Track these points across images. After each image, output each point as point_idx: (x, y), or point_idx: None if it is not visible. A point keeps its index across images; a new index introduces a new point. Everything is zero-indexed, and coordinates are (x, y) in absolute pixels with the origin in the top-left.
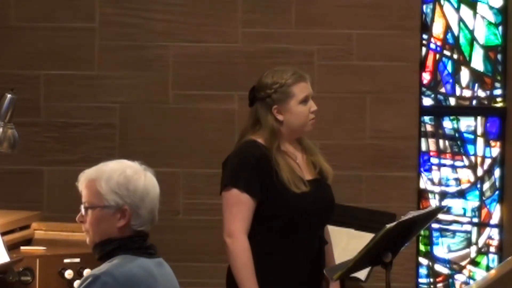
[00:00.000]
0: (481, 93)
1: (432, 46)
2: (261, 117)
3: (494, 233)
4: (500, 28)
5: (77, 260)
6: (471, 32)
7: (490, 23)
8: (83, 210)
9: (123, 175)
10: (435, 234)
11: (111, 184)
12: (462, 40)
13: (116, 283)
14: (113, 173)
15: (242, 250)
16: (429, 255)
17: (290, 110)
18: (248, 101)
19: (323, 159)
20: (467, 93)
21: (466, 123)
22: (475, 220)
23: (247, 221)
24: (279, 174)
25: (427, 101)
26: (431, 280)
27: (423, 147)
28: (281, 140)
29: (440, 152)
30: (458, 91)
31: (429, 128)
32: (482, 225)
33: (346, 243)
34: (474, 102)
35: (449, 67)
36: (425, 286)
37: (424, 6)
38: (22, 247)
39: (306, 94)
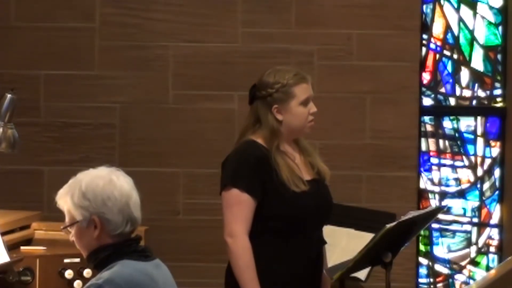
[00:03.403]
0: (481, 93)
1: (432, 46)
2: (261, 115)
3: (494, 233)
4: (500, 28)
5: (77, 260)
6: (471, 32)
7: (490, 23)
8: (65, 231)
9: (81, 187)
10: (435, 234)
11: (75, 200)
12: (462, 40)
13: None
14: (75, 188)
15: (244, 250)
16: (429, 255)
17: (290, 111)
18: (248, 99)
19: (320, 160)
20: (467, 93)
21: (466, 123)
22: (475, 220)
23: (248, 221)
24: (279, 173)
25: (427, 101)
26: (431, 280)
27: (423, 147)
28: (280, 140)
29: (440, 152)
30: (458, 91)
31: (429, 128)
32: (482, 225)
33: (346, 243)
34: (474, 102)
35: (449, 67)
36: (425, 286)
37: (424, 6)
38: (22, 247)
39: (307, 96)
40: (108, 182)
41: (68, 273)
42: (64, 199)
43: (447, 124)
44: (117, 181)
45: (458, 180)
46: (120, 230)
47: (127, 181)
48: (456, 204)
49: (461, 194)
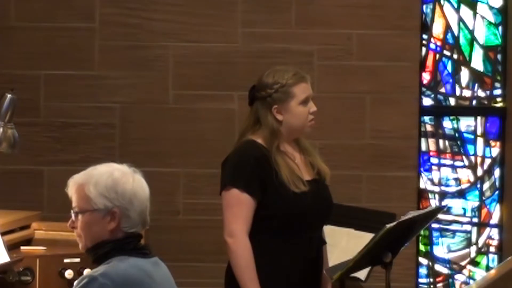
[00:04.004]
0: (481, 93)
1: (432, 46)
2: (261, 116)
3: (494, 233)
4: (500, 28)
5: (77, 260)
6: (471, 32)
7: (490, 23)
8: (73, 216)
9: (111, 178)
10: (435, 234)
11: (100, 188)
12: (462, 40)
13: (114, 285)
14: (101, 176)
15: (244, 250)
16: (429, 255)
17: (290, 111)
18: (248, 100)
19: (320, 160)
20: (467, 93)
21: (466, 123)
22: (475, 220)
23: (248, 221)
24: (279, 174)
25: (427, 101)
26: (431, 280)
27: (423, 147)
28: (280, 140)
29: (440, 152)
30: (458, 91)
31: (429, 128)
32: (482, 225)
33: (346, 243)
34: (474, 102)
35: (449, 67)
36: (425, 286)
37: (424, 6)
38: (22, 247)
39: (306, 95)
40: (137, 182)
41: (68, 273)
42: (84, 185)
43: (447, 124)
44: (143, 184)
45: (458, 180)
46: (135, 229)
47: (146, 185)
48: (456, 204)
49: (461, 194)
